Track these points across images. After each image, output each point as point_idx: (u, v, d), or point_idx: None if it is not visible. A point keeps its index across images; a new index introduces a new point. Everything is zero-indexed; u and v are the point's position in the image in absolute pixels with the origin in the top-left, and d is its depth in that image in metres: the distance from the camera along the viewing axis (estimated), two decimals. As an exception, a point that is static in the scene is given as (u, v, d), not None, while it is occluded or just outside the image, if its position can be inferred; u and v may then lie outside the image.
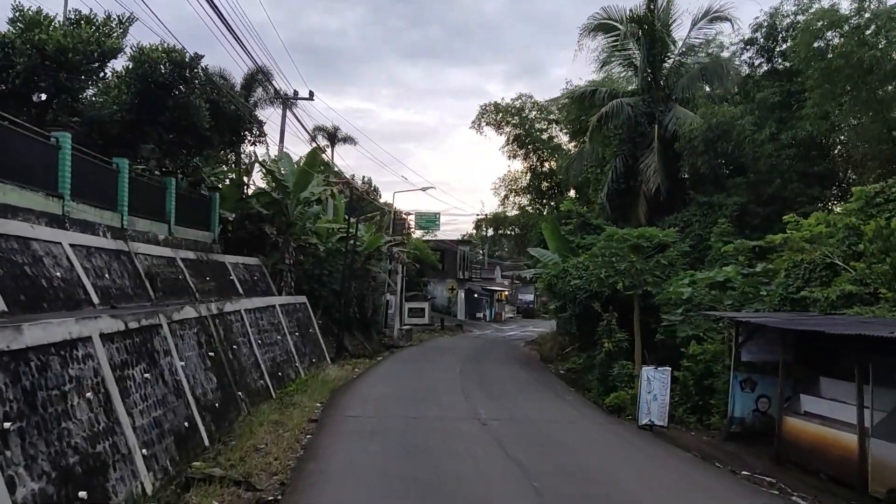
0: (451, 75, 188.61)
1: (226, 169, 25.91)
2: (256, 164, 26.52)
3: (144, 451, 8.98)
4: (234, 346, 15.96)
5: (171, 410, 10.60)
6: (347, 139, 38.89)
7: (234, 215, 24.15)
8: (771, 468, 11.24)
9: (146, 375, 10.00)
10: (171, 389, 10.92)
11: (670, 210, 25.70)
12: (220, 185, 23.44)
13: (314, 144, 27.54)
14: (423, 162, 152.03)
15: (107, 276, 12.67)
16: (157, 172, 20.13)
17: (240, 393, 14.89)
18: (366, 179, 28.98)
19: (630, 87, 29.12)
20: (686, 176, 24.77)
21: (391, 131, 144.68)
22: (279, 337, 20.36)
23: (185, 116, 18.98)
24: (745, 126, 22.61)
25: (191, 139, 20.32)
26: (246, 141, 23.66)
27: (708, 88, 26.54)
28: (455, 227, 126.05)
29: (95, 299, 11.63)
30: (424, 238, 54.79)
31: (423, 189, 43.03)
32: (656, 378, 14.17)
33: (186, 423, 10.98)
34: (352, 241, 28.47)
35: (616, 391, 19.53)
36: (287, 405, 15.51)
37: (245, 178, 26.30)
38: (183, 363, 11.87)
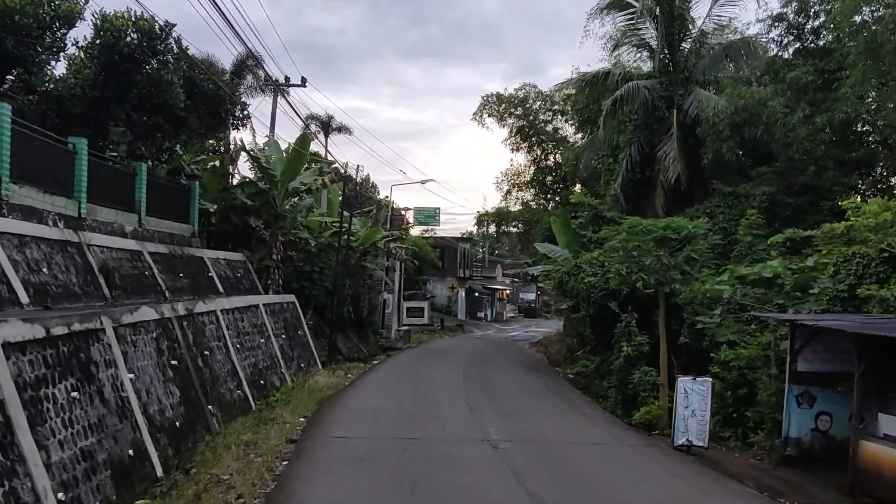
0: (450, 74, 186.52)
1: (208, 156, 23.81)
2: (242, 152, 24.43)
3: (62, 494, 6.95)
4: (207, 352, 13.92)
5: (110, 436, 8.54)
6: (342, 128, 36.75)
7: (215, 206, 22.09)
8: (848, 506, 9.22)
9: (74, 394, 7.94)
10: (112, 410, 8.87)
11: (690, 201, 23.69)
12: (200, 174, 21.34)
13: (307, 132, 25.43)
14: (422, 161, 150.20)
15: (45, 270, 10.60)
16: (128, 159, 18.09)
17: (210, 407, 12.84)
18: (361, 170, 26.70)
19: (645, 70, 27.06)
20: (708, 164, 22.68)
21: (391, 130, 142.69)
22: (262, 340, 18.33)
23: (155, 93, 16.91)
24: (775, 108, 20.54)
25: (164, 120, 18.26)
26: (228, 124, 21.53)
27: (733, 69, 24.43)
28: (454, 225, 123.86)
29: (24, 298, 9.57)
30: (425, 234, 52.70)
31: (422, 182, 40.83)
32: (695, 391, 12.11)
33: (132, 451, 8.93)
34: (346, 236, 26.41)
35: (637, 400, 17.56)
36: (265, 420, 13.47)
37: (230, 167, 24.21)
38: (133, 375, 9.82)
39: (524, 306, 77.06)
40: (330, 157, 31.24)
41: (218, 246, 22.40)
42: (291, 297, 22.93)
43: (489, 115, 46.10)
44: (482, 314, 60.35)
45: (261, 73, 33.16)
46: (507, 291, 72.66)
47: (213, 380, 13.71)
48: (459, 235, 60.61)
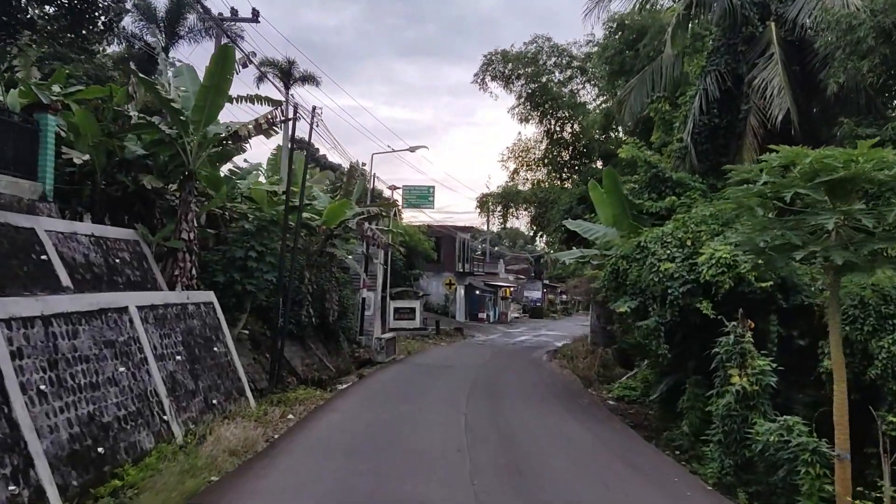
0: (447, 73, 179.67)
1: (88, 88, 16.12)
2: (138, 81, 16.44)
3: None
4: None
5: None
6: (308, 78, 28.80)
7: (87, 157, 14.47)
8: None
9: None
10: None
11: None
12: (59, 106, 13.63)
13: (229, 45, 17.56)
14: (419, 159, 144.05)
15: None
16: None
17: None
18: (319, 114, 18.86)
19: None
20: (835, 94, 15.13)
21: (388, 129, 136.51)
22: (124, 369, 10.69)
23: None
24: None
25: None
26: (100, 26, 13.80)
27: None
28: (451, 225, 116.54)
29: None
30: (429, 226, 44.87)
31: (411, 149, 32.83)
32: None
33: None
34: (300, 208, 18.78)
35: (773, 482, 10.19)
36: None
37: (126, 106, 16.41)
38: None
39: (530, 306, 69.59)
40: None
41: (112, 219, 15.00)
42: (208, 296, 15.28)
43: (493, 78, 38.61)
44: (484, 315, 52.71)
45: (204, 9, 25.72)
46: (511, 289, 64.94)
47: None
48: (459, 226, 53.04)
